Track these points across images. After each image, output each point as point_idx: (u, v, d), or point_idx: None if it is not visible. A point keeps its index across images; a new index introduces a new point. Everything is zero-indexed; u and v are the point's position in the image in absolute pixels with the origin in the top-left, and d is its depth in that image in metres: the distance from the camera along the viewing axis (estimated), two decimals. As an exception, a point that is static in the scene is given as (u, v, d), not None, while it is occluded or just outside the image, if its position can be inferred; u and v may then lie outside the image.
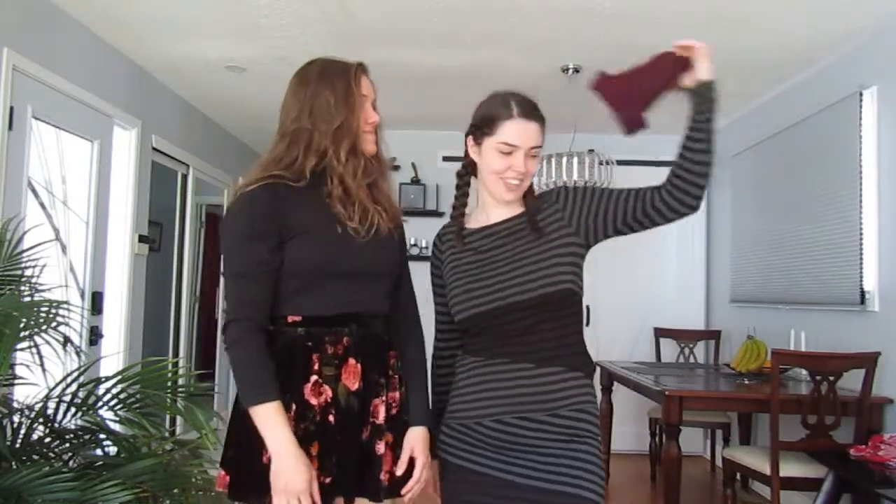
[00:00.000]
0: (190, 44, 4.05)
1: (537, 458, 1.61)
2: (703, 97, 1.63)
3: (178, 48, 4.12)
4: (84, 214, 3.76)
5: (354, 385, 1.59)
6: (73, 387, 2.13)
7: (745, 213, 5.08)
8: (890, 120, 3.51)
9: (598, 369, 4.76)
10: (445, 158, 6.07)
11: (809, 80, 4.28)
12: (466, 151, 1.77)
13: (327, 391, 1.56)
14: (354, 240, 1.59)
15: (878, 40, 3.62)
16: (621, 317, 5.68)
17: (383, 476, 1.61)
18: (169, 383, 2.31)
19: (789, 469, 3.29)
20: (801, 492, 3.63)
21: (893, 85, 3.50)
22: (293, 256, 1.56)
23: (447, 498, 1.71)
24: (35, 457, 2.03)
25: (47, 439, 2.10)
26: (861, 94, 3.69)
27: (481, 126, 1.71)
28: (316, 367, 1.56)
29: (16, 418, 2.10)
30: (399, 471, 1.64)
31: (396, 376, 1.69)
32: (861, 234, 3.63)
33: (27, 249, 2.45)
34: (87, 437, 2.13)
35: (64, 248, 3.60)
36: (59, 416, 2.11)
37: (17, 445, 2.04)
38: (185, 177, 5.26)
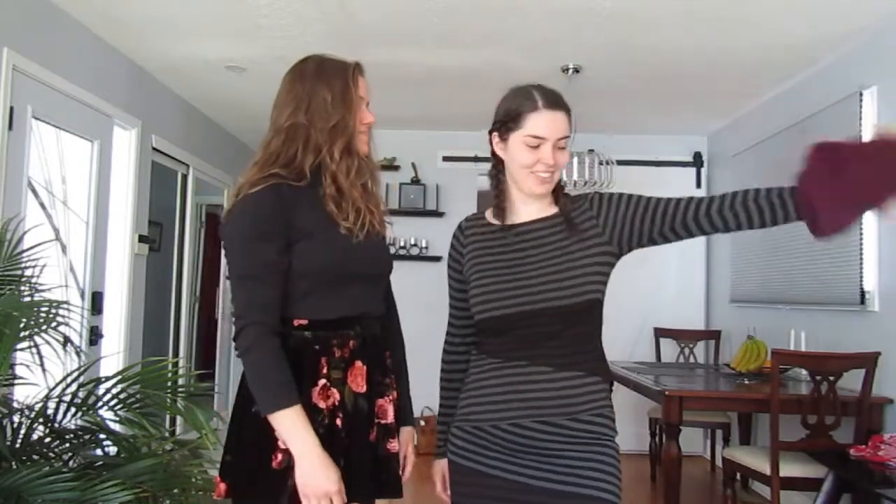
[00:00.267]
0: (190, 44, 4.05)
1: (555, 461, 1.58)
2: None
3: (178, 48, 4.12)
4: (84, 214, 3.76)
5: (361, 387, 1.58)
6: (73, 387, 2.13)
7: (745, 213, 5.07)
8: (890, 120, 3.51)
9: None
10: (445, 158, 6.08)
11: (809, 80, 4.28)
12: (493, 150, 1.71)
13: (335, 394, 1.55)
14: (357, 242, 1.58)
15: (878, 40, 3.62)
16: (621, 317, 5.67)
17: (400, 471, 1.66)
18: (169, 383, 2.31)
19: (789, 469, 3.29)
20: (801, 492, 3.63)
21: (893, 85, 3.50)
22: (301, 259, 1.54)
23: (457, 501, 1.68)
24: (35, 457, 2.03)
25: (47, 439, 2.10)
26: (861, 94, 3.69)
27: (506, 121, 1.65)
28: (325, 370, 1.55)
29: (16, 418, 2.10)
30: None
31: (392, 376, 1.69)
32: (861, 234, 3.63)
33: (27, 249, 2.45)
34: (87, 437, 2.13)
35: (64, 248, 3.60)
36: (59, 416, 2.11)
37: (17, 445, 2.04)
38: (185, 177, 5.26)
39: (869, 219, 3.60)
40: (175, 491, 2.00)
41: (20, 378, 2.15)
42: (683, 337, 5.40)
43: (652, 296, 5.81)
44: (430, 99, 5.06)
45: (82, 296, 3.72)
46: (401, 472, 1.69)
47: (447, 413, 1.77)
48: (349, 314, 1.59)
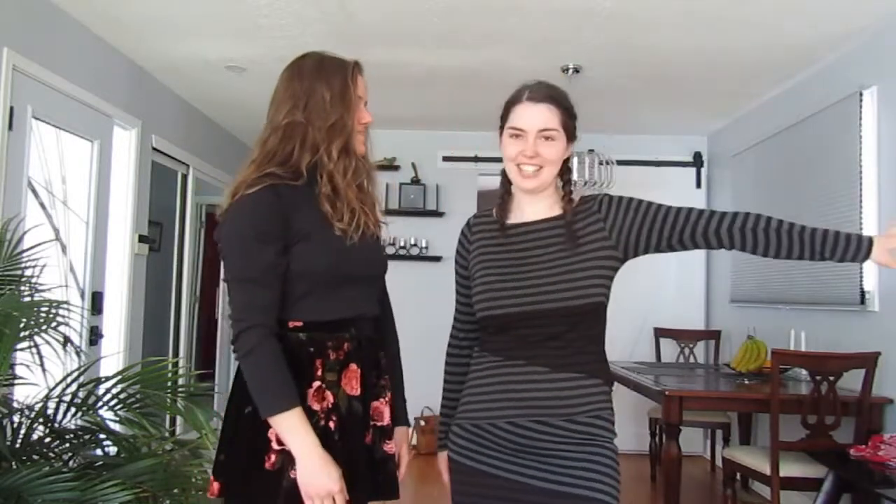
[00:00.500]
0: (190, 44, 4.05)
1: (552, 461, 1.58)
2: (860, 257, 1.61)
3: (178, 48, 4.12)
4: (84, 214, 3.76)
5: (355, 390, 1.57)
6: (73, 387, 2.13)
7: (745, 213, 5.07)
8: (890, 120, 3.51)
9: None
10: (445, 158, 6.08)
11: (809, 80, 4.28)
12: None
13: (329, 397, 1.54)
14: (352, 244, 1.57)
15: (878, 40, 3.62)
16: (621, 317, 5.65)
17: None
18: (169, 383, 2.31)
19: (789, 469, 3.29)
20: (801, 492, 3.63)
21: (893, 85, 3.50)
22: (298, 262, 1.53)
23: (458, 500, 1.68)
24: (35, 457, 2.03)
25: (47, 439, 2.10)
26: (861, 94, 3.69)
27: (502, 117, 1.69)
28: (319, 372, 1.54)
29: (16, 418, 2.10)
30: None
31: (388, 376, 1.69)
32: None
33: (27, 249, 2.45)
34: (87, 437, 2.13)
35: (64, 248, 3.60)
36: (59, 416, 2.11)
37: (17, 445, 2.04)
38: (185, 177, 5.26)
39: (868, 219, 3.61)
40: (175, 491, 2.01)
41: (20, 378, 2.15)
42: (683, 337, 5.40)
43: (652, 296, 5.81)
44: (430, 99, 5.06)
45: (82, 296, 3.72)
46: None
47: (449, 407, 1.78)
48: (344, 316, 1.59)
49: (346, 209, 1.57)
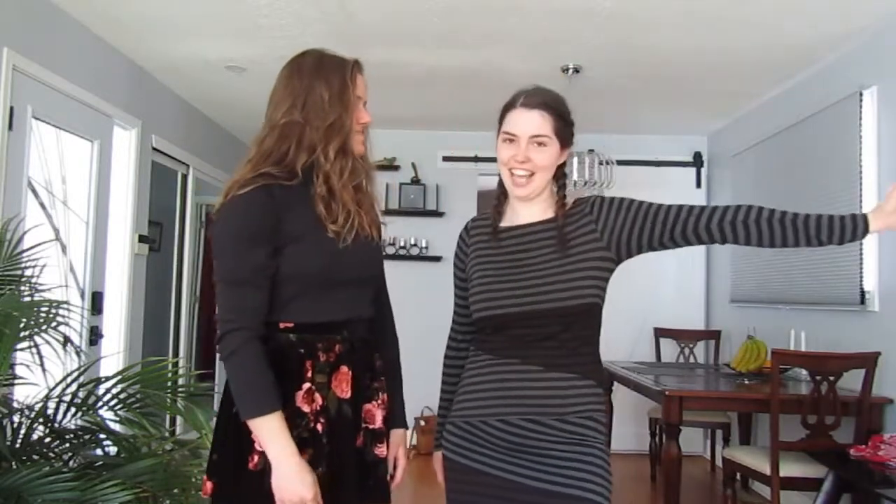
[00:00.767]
0: (190, 44, 4.05)
1: (544, 460, 1.60)
2: (859, 234, 1.60)
3: (178, 48, 4.12)
4: (84, 214, 3.76)
5: (345, 392, 1.56)
6: (73, 387, 2.13)
7: (745, 213, 5.07)
8: (890, 120, 3.51)
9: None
10: (445, 158, 6.08)
11: (809, 80, 4.28)
12: None
13: (319, 399, 1.53)
14: (345, 246, 1.55)
15: (878, 40, 3.62)
16: (621, 317, 5.67)
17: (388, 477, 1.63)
18: (169, 383, 2.31)
19: (789, 469, 3.29)
20: (801, 492, 3.63)
21: (893, 85, 3.50)
22: (288, 264, 1.51)
23: (453, 497, 1.70)
24: (35, 457, 2.04)
25: (47, 439, 2.10)
26: (861, 94, 3.69)
27: (498, 121, 1.71)
28: (309, 374, 1.53)
29: (16, 418, 2.10)
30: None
31: (383, 378, 1.67)
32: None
33: (27, 249, 2.45)
34: (87, 437, 2.13)
35: (64, 248, 3.60)
36: (59, 416, 2.11)
37: (17, 445, 2.04)
38: (185, 177, 5.26)
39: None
40: (175, 491, 2.01)
41: (20, 378, 2.16)
42: (683, 337, 5.40)
43: (652, 296, 5.81)
44: (430, 99, 5.06)
45: (82, 296, 3.72)
46: (391, 475, 1.68)
47: (446, 407, 1.79)
48: (336, 318, 1.57)
49: (342, 211, 1.55)
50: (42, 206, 3.43)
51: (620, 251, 1.66)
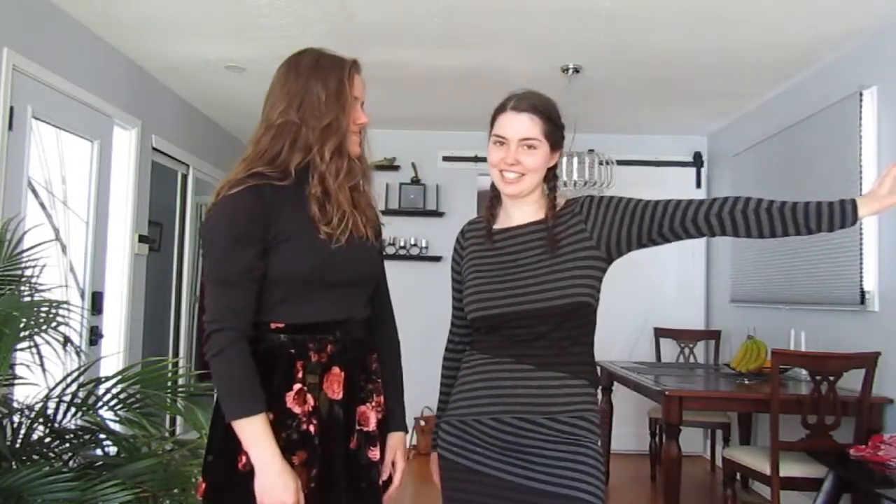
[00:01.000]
0: (190, 44, 4.05)
1: (536, 459, 1.61)
2: (849, 220, 1.58)
3: (178, 48, 4.12)
4: (84, 214, 3.76)
5: (337, 394, 1.54)
6: (73, 387, 2.13)
7: (745, 213, 5.07)
8: (890, 120, 3.51)
9: (598, 369, 4.75)
10: (445, 158, 6.08)
11: (809, 80, 4.28)
12: None
13: (310, 400, 1.51)
14: (338, 247, 1.53)
15: (878, 40, 3.62)
16: (621, 317, 5.68)
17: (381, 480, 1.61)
18: (169, 383, 2.31)
19: (789, 469, 3.29)
20: (801, 492, 3.63)
21: (893, 85, 3.50)
22: (279, 266, 1.50)
23: (448, 495, 1.71)
24: (35, 457, 2.04)
25: (47, 439, 2.10)
26: (861, 94, 3.69)
27: (490, 124, 1.73)
28: (300, 374, 1.51)
29: (16, 418, 2.10)
30: (383, 476, 1.65)
31: (379, 380, 1.66)
32: (861, 234, 3.63)
33: (27, 249, 2.45)
34: (87, 437, 2.13)
35: (64, 248, 3.60)
36: (59, 416, 2.11)
37: (17, 445, 2.04)
38: (185, 177, 5.26)
39: (867, 219, 3.60)
40: (175, 491, 2.01)
41: (20, 378, 2.16)
42: (683, 337, 5.40)
43: (652, 296, 5.81)
44: (430, 99, 5.06)
45: (82, 296, 3.72)
46: (386, 479, 1.66)
47: (443, 409, 1.80)
48: (328, 319, 1.55)
49: (336, 212, 1.54)
50: (42, 206, 3.43)
51: (611, 249, 1.67)
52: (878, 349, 3.29)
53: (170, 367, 2.47)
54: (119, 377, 2.21)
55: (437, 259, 5.84)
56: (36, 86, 3.30)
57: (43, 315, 2.06)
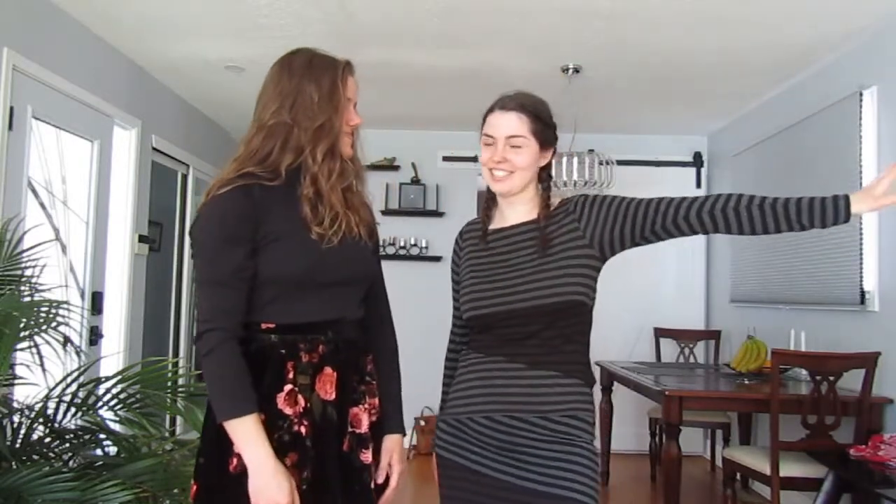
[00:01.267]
0: (190, 44, 4.05)
1: (529, 458, 1.62)
2: (841, 217, 1.58)
3: (178, 48, 4.12)
4: (84, 214, 3.76)
5: (330, 394, 1.53)
6: (73, 387, 2.13)
7: (745, 213, 5.08)
8: (890, 120, 3.51)
9: (598, 369, 4.76)
10: (445, 158, 6.08)
11: (809, 80, 4.28)
12: None
13: (301, 400, 1.50)
14: (330, 247, 1.52)
15: (878, 40, 3.62)
16: (621, 317, 5.68)
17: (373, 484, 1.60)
18: (169, 383, 2.32)
19: (789, 469, 3.29)
20: (801, 492, 3.63)
21: (893, 85, 3.50)
22: (270, 266, 1.50)
23: (446, 493, 1.72)
24: (35, 457, 2.04)
25: (47, 439, 2.10)
26: (861, 94, 3.69)
27: (481, 126, 1.76)
28: (291, 375, 1.50)
29: (16, 418, 2.10)
30: (379, 479, 1.63)
31: (374, 382, 1.65)
32: (861, 234, 3.63)
33: (27, 249, 2.45)
34: (87, 437, 2.14)
35: (64, 248, 3.60)
36: (59, 416, 2.11)
37: (17, 445, 2.04)
38: (185, 177, 5.27)
39: (867, 219, 3.60)
40: (175, 491, 2.01)
41: (20, 378, 2.16)
42: (683, 337, 5.40)
43: (652, 296, 5.81)
44: (430, 99, 5.06)
45: (82, 296, 3.72)
46: (383, 481, 1.64)
47: (443, 408, 1.81)
48: (319, 319, 1.54)
49: (328, 213, 1.53)
50: (42, 206, 3.43)
51: (604, 248, 1.67)
52: (878, 349, 3.29)
53: (170, 367, 2.47)
54: (119, 377, 2.21)
55: (437, 259, 5.84)
56: (36, 86, 3.30)
57: (43, 315, 2.06)
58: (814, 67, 4.17)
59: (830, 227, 1.60)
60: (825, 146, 4.01)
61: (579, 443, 1.62)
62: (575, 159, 4.38)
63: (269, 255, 1.50)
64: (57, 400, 2.11)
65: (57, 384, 2.13)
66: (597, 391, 4.61)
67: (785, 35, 3.70)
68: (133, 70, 4.32)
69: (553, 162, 1.81)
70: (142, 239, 4.41)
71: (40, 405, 2.09)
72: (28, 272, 2.37)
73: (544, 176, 1.77)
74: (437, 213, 6.02)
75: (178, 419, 2.94)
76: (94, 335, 3.78)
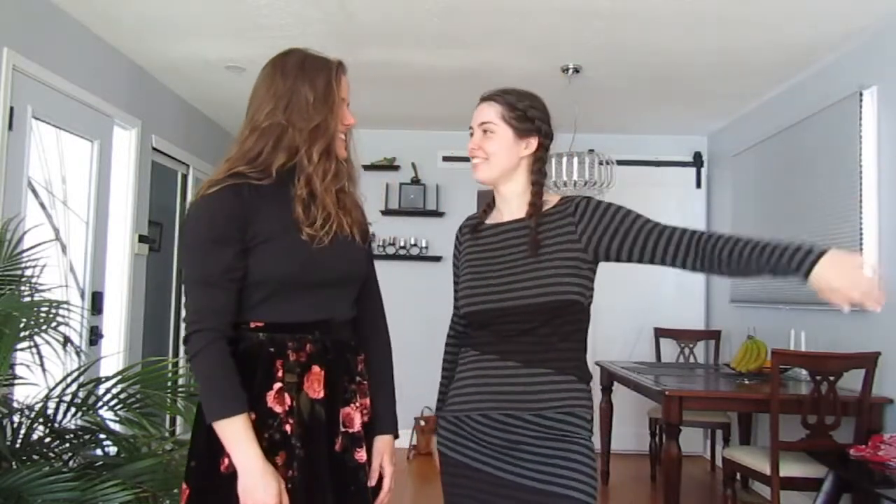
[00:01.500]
0: (190, 44, 4.05)
1: (525, 456, 1.62)
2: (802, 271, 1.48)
3: (178, 48, 4.12)
4: (84, 214, 3.76)
5: (318, 393, 1.52)
6: (73, 387, 2.13)
7: (746, 213, 5.08)
8: (890, 120, 3.51)
9: (598, 369, 4.76)
10: (445, 158, 6.08)
11: (809, 80, 4.28)
12: None
13: (288, 399, 1.49)
14: (320, 247, 1.51)
15: (878, 40, 3.62)
16: (621, 317, 5.68)
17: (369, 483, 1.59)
18: (169, 383, 2.31)
19: (789, 469, 3.29)
20: (801, 492, 3.63)
21: (893, 85, 3.50)
22: (258, 267, 1.49)
23: (448, 490, 1.73)
24: (35, 457, 2.04)
25: (47, 439, 2.10)
26: (861, 94, 3.69)
27: None
28: (280, 373, 1.49)
29: (16, 418, 2.10)
30: (371, 481, 1.62)
31: (366, 382, 1.64)
32: (861, 234, 3.63)
33: (27, 249, 2.45)
34: (87, 437, 2.14)
35: (64, 248, 3.60)
36: (59, 416, 2.11)
37: (17, 445, 2.04)
38: (185, 177, 5.27)
39: (868, 219, 3.60)
40: (175, 491, 2.01)
41: (20, 378, 2.16)
42: (683, 337, 5.40)
43: (652, 296, 5.81)
44: (430, 99, 5.07)
45: (82, 296, 3.72)
46: (375, 484, 1.63)
47: (441, 402, 1.83)
48: (308, 319, 1.53)
49: (321, 213, 1.53)
50: (42, 206, 3.43)
51: (598, 255, 1.68)
52: (878, 349, 3.30)
53: (170, 367, 2.47)
54: (119, 377, 2.21)
55: (437, 259, 5.84)
56: (36, 86, 3.30)
57: (43, 315, 2.06)
58: (814, 67, 4.18)
59: (781, 277, 1.54)
60: (825, 146, 4.01)
61: (576, 439, 1.62)
62: (575, 159, 4.38)
63: (258, 256, 1.49)
64: (57, 400, 2.11)
65: (57, 384, 2.13)
66: (597, 391, 4.62)
67: (785, 35, 3.70)
68: (133, 70, 4.32)
69: (548, 158, 1.81)
70: (142, 239, 4.41)
71: (40, 405, 2.09)
72: (28, 272, 2.37)
73: (535, 169, 1.74)
74: (437, 213, 6.02)
75: (178, 419, 2.94)
76: (94, 335, 3.78)
